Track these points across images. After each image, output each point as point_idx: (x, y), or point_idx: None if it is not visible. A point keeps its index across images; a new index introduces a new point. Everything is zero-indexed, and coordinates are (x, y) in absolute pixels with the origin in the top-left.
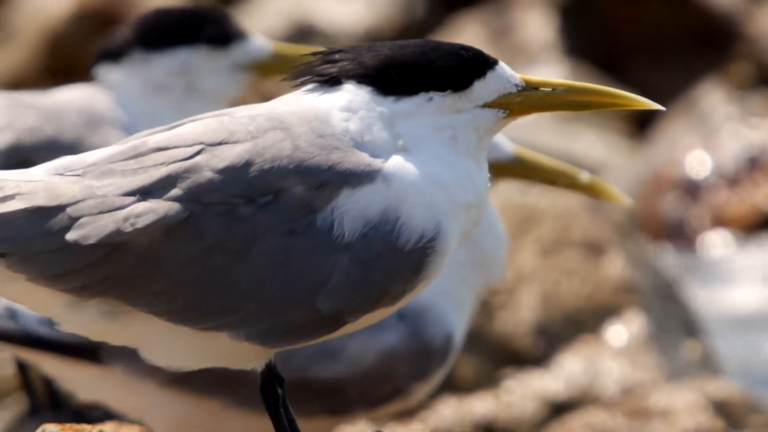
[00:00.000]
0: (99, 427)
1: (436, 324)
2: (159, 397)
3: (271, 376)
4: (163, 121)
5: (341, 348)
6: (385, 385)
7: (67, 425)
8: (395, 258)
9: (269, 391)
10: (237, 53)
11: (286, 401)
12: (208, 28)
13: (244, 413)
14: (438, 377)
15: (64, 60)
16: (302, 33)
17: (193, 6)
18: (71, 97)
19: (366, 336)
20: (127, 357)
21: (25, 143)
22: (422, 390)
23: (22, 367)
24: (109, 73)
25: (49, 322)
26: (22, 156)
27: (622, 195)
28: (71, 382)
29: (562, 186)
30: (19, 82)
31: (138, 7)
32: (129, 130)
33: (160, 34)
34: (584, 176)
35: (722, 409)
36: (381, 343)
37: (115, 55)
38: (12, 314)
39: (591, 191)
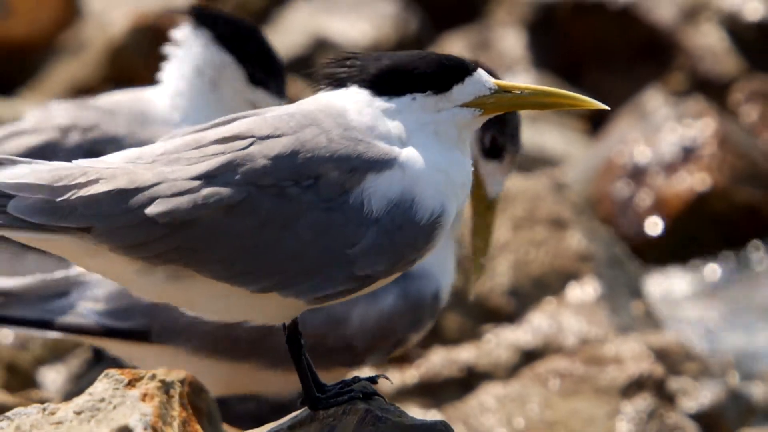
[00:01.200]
0: (152, 371)
1: (426, 285)
2: (204, 366)
3: (296, 329)
4: (203, 118)
5: (348, 315)
6: (387, 340)
7: (126, 370)
8: (413, 230)
9: (294, 341)
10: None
11: (306, 352)
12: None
13: (274, 372)
14: (428, 326)
15: (123, 68)
16: (319, 46)
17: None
18: (124, 98)
19: (367, 302)
20: (173, 338)
21: (84, 138)
22: (416, 338)
23: None
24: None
25: (113, 315)
26: (84, 148)
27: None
28: (131, 359)
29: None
30: (87, 89)
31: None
32: (176, 126)
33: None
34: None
35: (662, 356)
36: (380, 306)
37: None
38: (83, 312)
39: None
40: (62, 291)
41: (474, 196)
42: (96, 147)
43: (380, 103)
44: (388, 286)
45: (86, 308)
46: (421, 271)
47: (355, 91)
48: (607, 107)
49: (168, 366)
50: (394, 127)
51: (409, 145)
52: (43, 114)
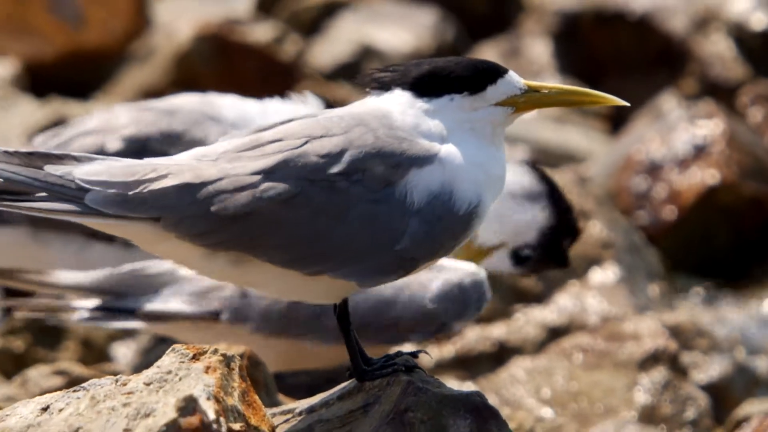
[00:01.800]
0: (215, 346)
1: (471, 273)
2: (264, 344)
3: (345, 308)
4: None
5: (396, 298)
6: (432, 323)
7: (191, 345)
8: (451, 220)
9: (344, 318)
10: None
11: (354, 329)
12: None
13: (323, 347)
14: (474, 313)
15: (188, 73)
16: (365, 53)
17: None
18: (183, 101)
19: (415, 288)
20: (240, 320)
21: (143, 134)
22: (461, 325)
23: None
24: None
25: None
26: (141, 144)
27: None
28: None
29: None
30: (155, 93)
31: (244, 32)
32: (232, 126)
33: None
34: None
35: (675, 333)
36: (428, 294)
37: None
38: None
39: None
40: (147, 285)
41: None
42: (152, 144)
43: (421, 103)
44: (436, 275)
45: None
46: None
47: (398, 94)
48: (626, 103)
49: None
50: (435, 125)
51: (449, 141)
52: (106, 115)
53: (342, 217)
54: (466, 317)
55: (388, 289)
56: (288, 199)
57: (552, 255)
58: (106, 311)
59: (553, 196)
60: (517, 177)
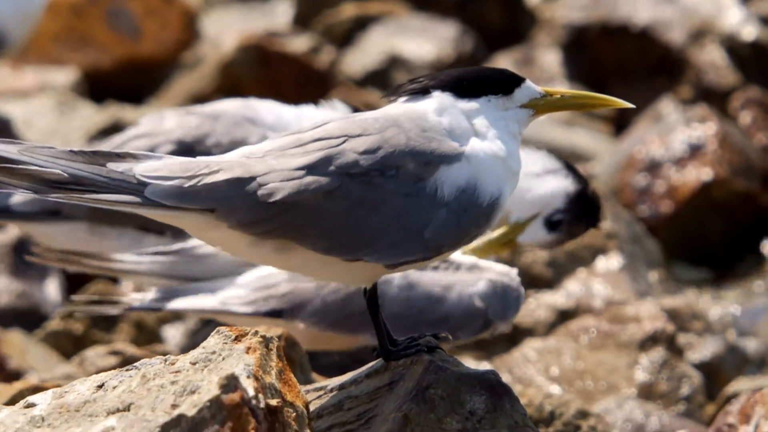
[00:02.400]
0: (255, 329)
1: (511, 280)
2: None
3: (375, 292)
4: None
5: (445, 296)
6: (477, 320)
7: (234, 327)
8: (475, 212)
9: (373, 301)
10: None
11: (382, 312)
12: None
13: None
14: (514, 315)
15: (231, 81)
16: (393, 62)
17: None
18: (226, 106)
19: (461, 287)
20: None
21: (189, 137)
22: (502, 327)
23: None
24: None
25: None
26: (187, 144)
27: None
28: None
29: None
30: (202, 98)
31: (283, 43)
32: (273, 129)
33: None
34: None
35: (673, 316)
36: (472, 290)
37: None
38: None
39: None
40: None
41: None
42: (197, 146)
43: (463, 103)
44: (479, 275)
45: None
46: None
47: (438, 96)
48: (631, 105)
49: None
50: (475, 122)
51: (486, 137)
52: (155, 120)
53: (377, 209)
54: (508, 316)
55: (436, 287)
56: (329, 192)
57: (582, 215)
58: (163, 300)
59: (571, 168)
60: (536, 158)
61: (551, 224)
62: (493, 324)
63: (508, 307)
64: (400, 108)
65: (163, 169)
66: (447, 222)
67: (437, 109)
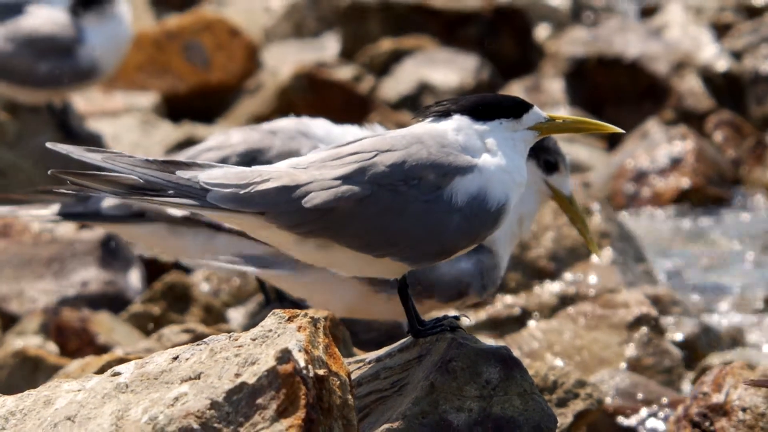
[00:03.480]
0: (305, 311)
1: (492, 259)
2: (339, 287)
3: (405, 282)
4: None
5: (447, 272)
6: (455, 290)
7: (288, 309)
8: (485, 216)
9: (404, 290)
10: None
11: (412, 297)
12: None
13: (389, 298)
14: (491, 290)
15: (286, 104)
16: (422, 88)
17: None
18: (282, 124)
19: (452, 263)
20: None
21: (252, 149)
22: (484, 294)
23: (259, 279)
24: None
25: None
26: (250, 156)
27: (597, 248)
28: (290, 289)
29: (576, 226)
30: (262, 118)
31: (331, 72)
32: (322, 141)
33: None
34: (590, 234)
35: (656, 302)
36: (459, 266)
37: None
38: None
39: (586, 240)
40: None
41: (558, 201)
42: (258, 156)
43: (478, 125)
44: (467, 255)
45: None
46: (490, 249)
47: (457, 118)
48: (622, 130)
49: (312, 293)
50: (487, 141)
51: (495, 154)
52: (223, 136)
53: (402, 214)
54: (485, 293)
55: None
56: (361, 199)
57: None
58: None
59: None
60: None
61: (548, 166)
62: (468, 296)
63: (487, 285)
64: (424, 127)
65: (222, 177)
66: (460, 225)
67: (455, 129)
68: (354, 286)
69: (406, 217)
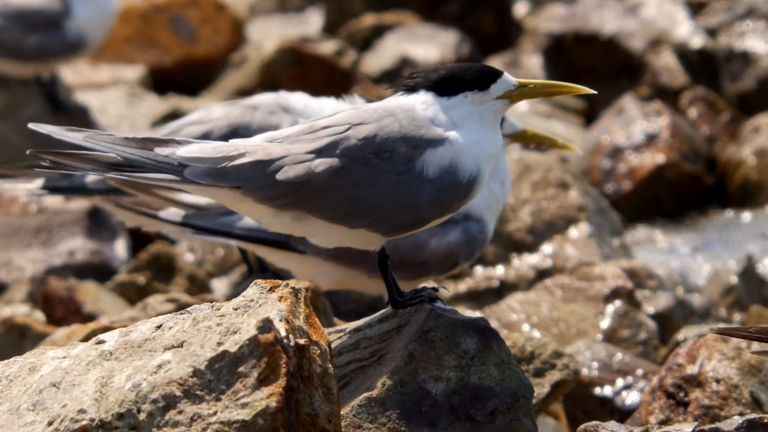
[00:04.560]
0: (286, 281)
1: (478, 228)
2: (324, 267)
3: (384, 253)
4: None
5: (426, 243)
6: (449, 261)
7: (269, 280)
8: (456, 187)
9: (383, 261)
10: None
11: (391, 269)
12: None
13: (371, 275)
14: (477, 255)
15: (270, 78)
16: (403, 63)
17: None
18: (263, 98)
19: (440, 235)
20: (303, 245)
21: (233, 124)
22: (468, 263)
23: (242, 250)
24: None
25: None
26: (232, 130)
27: (576, 148)
28: (273, 260)
29: (547, 146)
30: (246, 92)
31: (314, 47)
32: (301, 115)
33: None
34: (560, 140)
35: (632, 275)
36: (448, 239)
37: None
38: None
39: (562, 148)
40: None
41: (519, 140)
42: (239, 131)
43: (442, 101)
44: (453, 224)
45: (247, 223)
46: (477, 217)
47: (423, 94)
48: (592, 91)
49: (300, 265)
50: (452, 116)
51: (463, 127)
52: (205, 111)
53: (374, 186)
54: (473, 257)
55: (420, 236)
56: (334, 171)
57: None
58: (206, 231)
59: None
60: None
61: None
62: (462, 264)
63: (474, 249)
64: (396, 101)
65: (199, 152)
66: (432, 196)
67: (423, 103)
68: (336, 265)
69: (379, 189)
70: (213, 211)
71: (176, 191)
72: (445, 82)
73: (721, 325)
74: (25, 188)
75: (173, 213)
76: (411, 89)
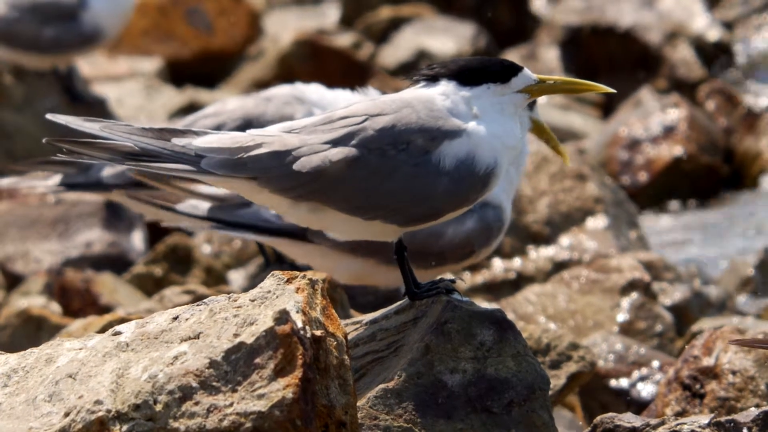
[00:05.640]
0: (303, 273)
1: (495, 215)
2: (341, 260)
3: (401, 245)
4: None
5: (443, 231)
6: (466, 249)
7: (286, 271)
8: (473, 179)
9: (400, 252)
10: None
11: (408, 260)
12: None
13: (388, 268)
14: (496, 244)
15: (287, 70)
16: (420, 56)
17: None
18: (278, 90)
19: (456, 223)
20: (321, 238)
21: (248, 115)
22: (486, 252)
23: (259, 243)
24: None
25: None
26: (246, 122)
27: (568, 161)
28: (291, 254)
29: (546, 141)
30: (263, 84)
31: (331, 39)
32: (316, 106)
33: None
34: (561, 147)
35: (648, 267)
36: (465, 227)
37: None
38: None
39: (555, 152)
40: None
41: (536, 130)
42: (253, 122)
43: (464, 91)
44: (470, 212)
45: (268, 215)
46: (494, 205)
47: (444, 84)
48: (612, 90)
49: (318, 259)
50: (474, 106)
51: (483, 118)
52: (221, 103)
53: (390, 177)
54: (491, 245)
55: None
56: (350, 162)
57: None
58: (225, 224)
59: None
60: None
61: (530, 104)
62: (480, 252)
63: (491, 237)
64: (414, 92)
65: (216, 142)
66: (448, 188)
67: (442, 94)
68: (356, 258)
69: (395, 180)
70: (230, 203)
71: (194, 183)
72: (468, 72)
73: (736, 319)
74: (42, 185)
75: (190, 206)
76: (432, 79)
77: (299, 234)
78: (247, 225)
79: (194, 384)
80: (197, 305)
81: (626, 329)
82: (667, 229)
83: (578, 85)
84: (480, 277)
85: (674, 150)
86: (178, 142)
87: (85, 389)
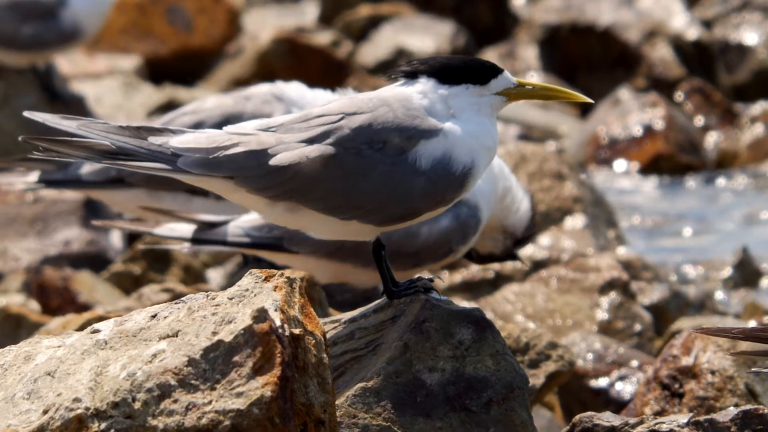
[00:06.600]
0: (281, 271)
1: (470, 212)
2: (320, 263)
3: (379, 244)
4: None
5: (418, 231)
6: (443, 248)
7: (264, 270)
8: (450, 179)
9: (378, 251)
10: None
11: (386, 259)
12: None
13: (366, 270)
14: (473, 242)
15: (266, 68)
16: (399, 54)
17: None
18: (257, 89)
19: (432, 222)
20: (299, 246)
21: (226, 113)
22: (464, 250)
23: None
24: None
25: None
26: (225, 118)
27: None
28: (269, 258)
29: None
30: (242, 82)
31: (310, 37)
32: (295, 105)
33: None
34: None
35: (627, 267)
36: (440, 225)
37: None
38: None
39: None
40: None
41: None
42: (231, 120)
43: (442, 90)
44: (445, 212)
45: (245, 229)
46: (470, 203)
47: (423, 81)
48: (590, 100)
49: (293, 263)
50: (451, 105)
51: (461, 118)
52: (199, 102)
53: (366, 177)
54: (468, 242)
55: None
56: (326, 161)
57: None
58: (201, 242)
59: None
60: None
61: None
62: (457, 250)
63: (468, 235)
64: (392, 91)
65: (192, 141)
66: (425, 188)
67: (420, 93)
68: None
69: (371, 179)
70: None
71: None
72: (449, 71)
73: (715, 319)
74: (20, 181)
75: (168, 229)
76: (410, 76)
77: (276, 246)
78: (224, 242)
79: (173, 382)
80: (176, 303)
81: (605, 328)
82: (645, 227)
83: (556, 92)
84: (458, 276)
85: (653, 149)
86: (154, 140)
87: (63, 387)
